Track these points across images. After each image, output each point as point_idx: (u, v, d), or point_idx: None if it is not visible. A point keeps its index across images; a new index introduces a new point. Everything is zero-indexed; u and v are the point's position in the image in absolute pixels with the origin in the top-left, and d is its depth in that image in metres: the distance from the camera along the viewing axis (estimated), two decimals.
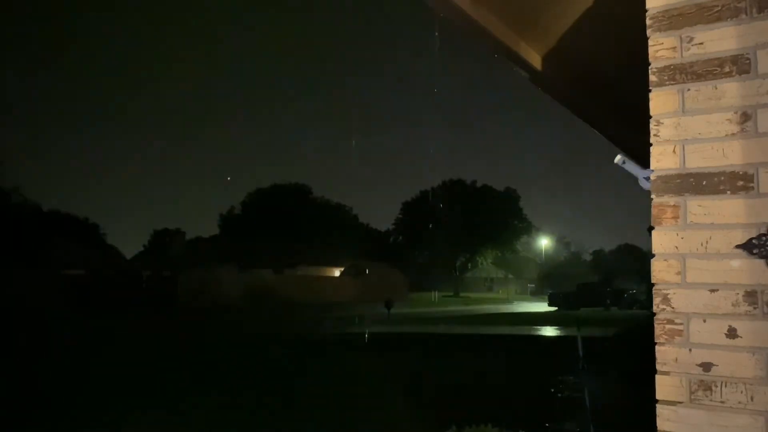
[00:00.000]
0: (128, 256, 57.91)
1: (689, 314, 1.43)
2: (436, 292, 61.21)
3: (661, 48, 1.54)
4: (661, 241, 1.48)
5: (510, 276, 74.48)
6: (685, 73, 1.50)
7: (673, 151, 1.49)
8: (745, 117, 1.41)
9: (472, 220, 61.08)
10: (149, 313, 27.91)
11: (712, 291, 1.41)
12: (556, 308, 37.26)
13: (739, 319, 1.37)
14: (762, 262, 1.35)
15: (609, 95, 3.55)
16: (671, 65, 1.52)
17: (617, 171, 1.78)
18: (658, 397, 1.45)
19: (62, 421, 7.35)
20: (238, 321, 24.85)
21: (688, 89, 1.49)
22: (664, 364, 1.44)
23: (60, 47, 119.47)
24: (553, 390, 9.21)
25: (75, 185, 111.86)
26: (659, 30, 1.54)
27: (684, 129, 1.48)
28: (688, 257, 1.44)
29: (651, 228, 1.50)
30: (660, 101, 1.52)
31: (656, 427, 1.44)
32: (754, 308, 1.36)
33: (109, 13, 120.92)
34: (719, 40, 1.46)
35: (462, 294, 61.51)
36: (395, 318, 25.40)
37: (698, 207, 1.44)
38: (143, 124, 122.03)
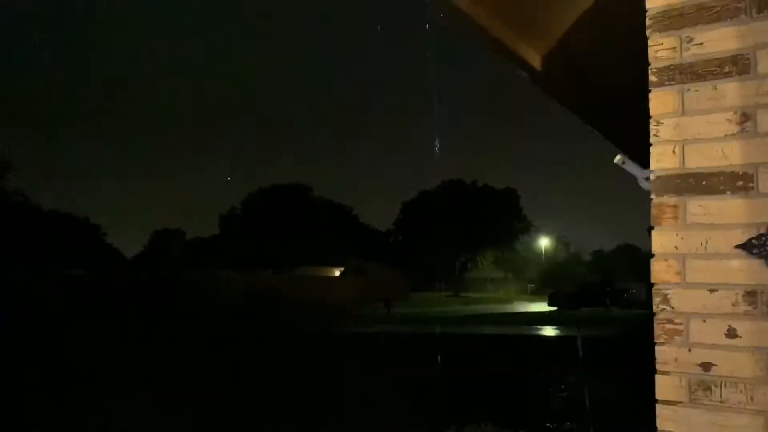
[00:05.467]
0: (128, 256, 57.96)
1: (689, 314, 1.43)
2: (436, 292, 61.24)
3: (661, 48, 1.54)
4: (661, 241, 1.48)
5: (510, 276, 74.47)
6: (685, 73, 1.50)
7: (673, 151, 1.49)
8: (745, 117, 1.41)
9: (472, 219, 61.07)
10: (149, 314, 27.89)
11: (712, 291, 1.41)
12: (556, 308, 37.25)
13: (739, 319, 1.37)
14: (762, 262, 1.35)
15: (609, 95, 3.55)
16: (671, 65, 1.52)
17: (617, 171, 1.79)
18: (658, 397, 1.45)
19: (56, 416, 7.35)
20: (237, 321, 24.84)
21: (688, 89, 1.49)
22: (664, 364, 1.44)
23: (60, 46, 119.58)
24: (553, 390, 9.21)
25: (75, 185, 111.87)
26: (659, 30, 1.54)
27: (684, 129, 1.49)
28: (688, 257, 1.45)
29: (651, 228, 1.50)
30: (660, 101, 1.53)
31: (656, 427, 1.44)
32: (754, 308, 1.36)
33: (109, 12, 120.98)
34: (719, 40, 1.46)
35: (462, 294, 61.50)
36: (395, 318, 25.39)
37: (698, 207, 1.45)
38: (143, 124, 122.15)
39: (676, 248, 1.46)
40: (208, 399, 8.52)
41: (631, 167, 1.72)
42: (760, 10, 1.42)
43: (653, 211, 1.50)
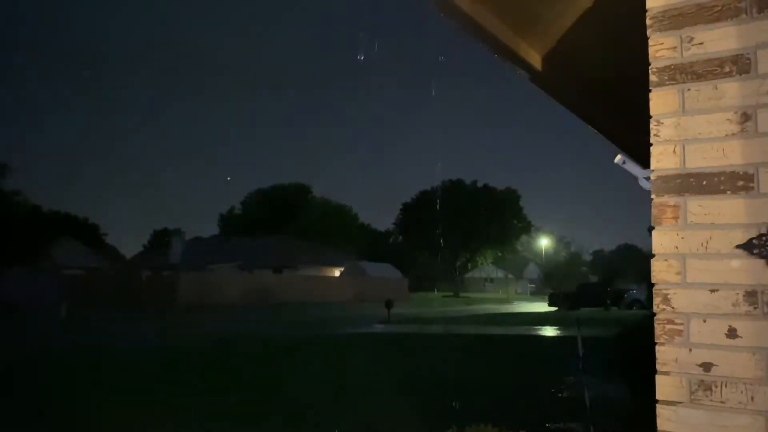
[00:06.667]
0: (128, 256, 57.96)
1: (689, 314, 1.43)
2: (437, 292, 61.25)
3: (661, 48, 1.54)
4: (661, 241, 1.48)
5: (510, 276, 74.51)
6: (685, 73, 1.50)
7: (673, 151, 1.49)
8: (745, 117, 1.41)
9: (472, 220, 61.08)
10: (148, 314, 27.89)
11: (712, 291, 1.41)
12: (556, 308, 37.26)
13: (739, 319, 1.37)
14: (762, 262, 1.35)
15: (609, 95, 3.55)
16: (671, 65, 1.52)
17: (617, 171, 1.78)
18: (658, 397, 1.45)
19: (55, 417, 7.35)
20: (236, 321, 24.84)
21: (688, 89, 1.49)
22: (664, 364, 1.44)
23: (61, 48, 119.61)
24: (553, 390, 9.20)
25: (75, 185, 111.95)
26: (659, 30, 1.54)
27: (684, 129, 1.48)
28: (688, 257, 1.44)
29: (651, 228, 1.50)
30: (660, 101, 1.52)
31: (656, 427, 1.44)
32: (754, 308, 1.35)
33: (110, 13, 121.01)
34: (719, 39, 1.46)
35: (462, 294, 61.53)
36: (395, 318, 25.39)
37: (698, 207, 1.44)
38: (143, 124, 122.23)
39: (677, 248, 1.46)
40: (207, 399, 8.52)
41: (631, 167, 1.72)
42: (760, 10, 1.42)
43: (653, 211, 1.50)
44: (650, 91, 1.54)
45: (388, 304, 25.94)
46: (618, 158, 1.78)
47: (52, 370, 11.35)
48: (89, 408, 7.81)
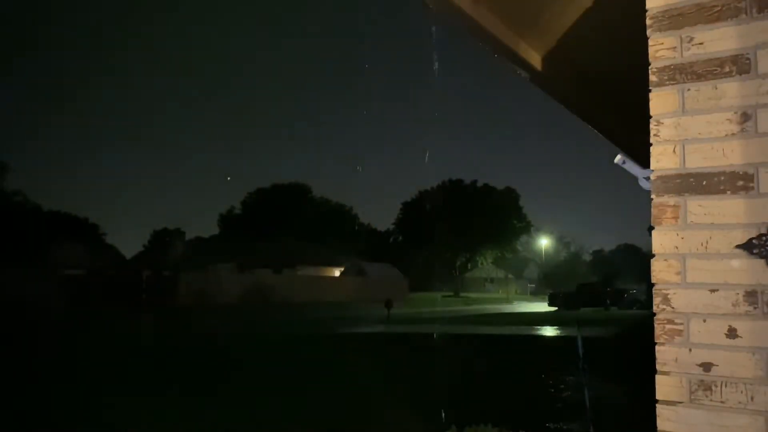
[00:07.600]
0: (128, 256, 57.93)
1: (689, 314, 1.43)
2: (436, 292, 61.25)
3: (661, 48, 1.54)
4: (661, 241, 1.48)
5: (510, 276, 74.51)
6: (685, 73, 1.50)
7: (673, 151, 1.49)
8: (745, 117, 1.41)
9: (472, 220, 61.08)
10: (148, 314, 27.89)
11: (712, 291, 1.41)
12: (556, 308, 37.25)
13: (739, 319, 1.37)
14: (762, 262, 1.35)
15: (609, 95, 3.55)
16: (671, 65, 1.52)
17: (617, 171, 1.79)
18: (658, 397, 1.45)
19: (54, 414, 7.35)
20: (236, 320, 24.85)
21: (688, 89, 1.49)
22: (664, 364, 1.44)
23: (61, 48, 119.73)
24: (553, 390, 9.20)
25: (75, 185, 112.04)
26: (659, 30, 1.54)
27: (684, 129, 1.48)
28: (688, 257, 1.44)
29: (651, 228, 1.50)
30: (660, 101, 1.52)
31: (656, 427, 1.44)
32: (754, 308, 1.35)
33: (110, 14, 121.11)
34: (719, 40, 1.46)
35: (462, 294, 61.53)
36: (395, 318, 25.38)
37: (698, 207, 1.44)
38: (143, 124, 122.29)
39: (677, 248, 1.46)
40: (206, 399, 8.52)
41: (631, 167, 1.72)
42: (760, 10, 1.42)
43: (653, 211, 1.50)
44: (650, 91, 1.54)
45: (388, 304, 25.95)
46: (618, 158, 1.78)
47: None
48: None
